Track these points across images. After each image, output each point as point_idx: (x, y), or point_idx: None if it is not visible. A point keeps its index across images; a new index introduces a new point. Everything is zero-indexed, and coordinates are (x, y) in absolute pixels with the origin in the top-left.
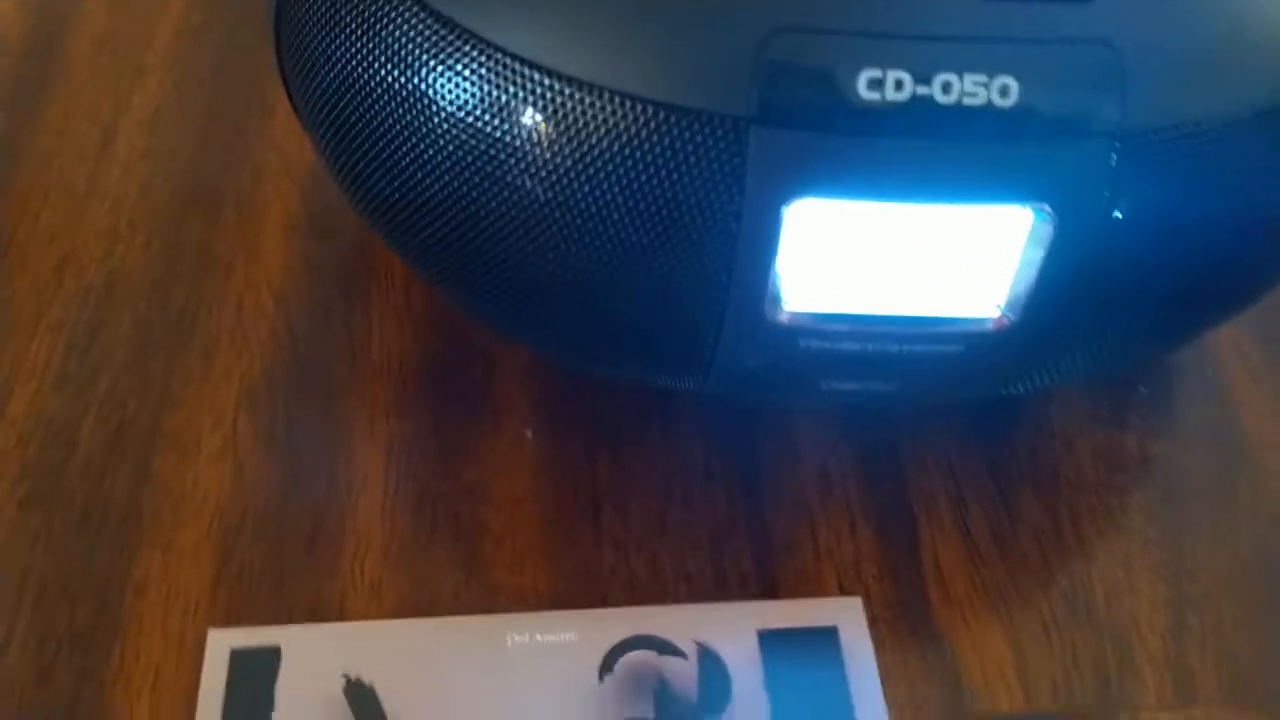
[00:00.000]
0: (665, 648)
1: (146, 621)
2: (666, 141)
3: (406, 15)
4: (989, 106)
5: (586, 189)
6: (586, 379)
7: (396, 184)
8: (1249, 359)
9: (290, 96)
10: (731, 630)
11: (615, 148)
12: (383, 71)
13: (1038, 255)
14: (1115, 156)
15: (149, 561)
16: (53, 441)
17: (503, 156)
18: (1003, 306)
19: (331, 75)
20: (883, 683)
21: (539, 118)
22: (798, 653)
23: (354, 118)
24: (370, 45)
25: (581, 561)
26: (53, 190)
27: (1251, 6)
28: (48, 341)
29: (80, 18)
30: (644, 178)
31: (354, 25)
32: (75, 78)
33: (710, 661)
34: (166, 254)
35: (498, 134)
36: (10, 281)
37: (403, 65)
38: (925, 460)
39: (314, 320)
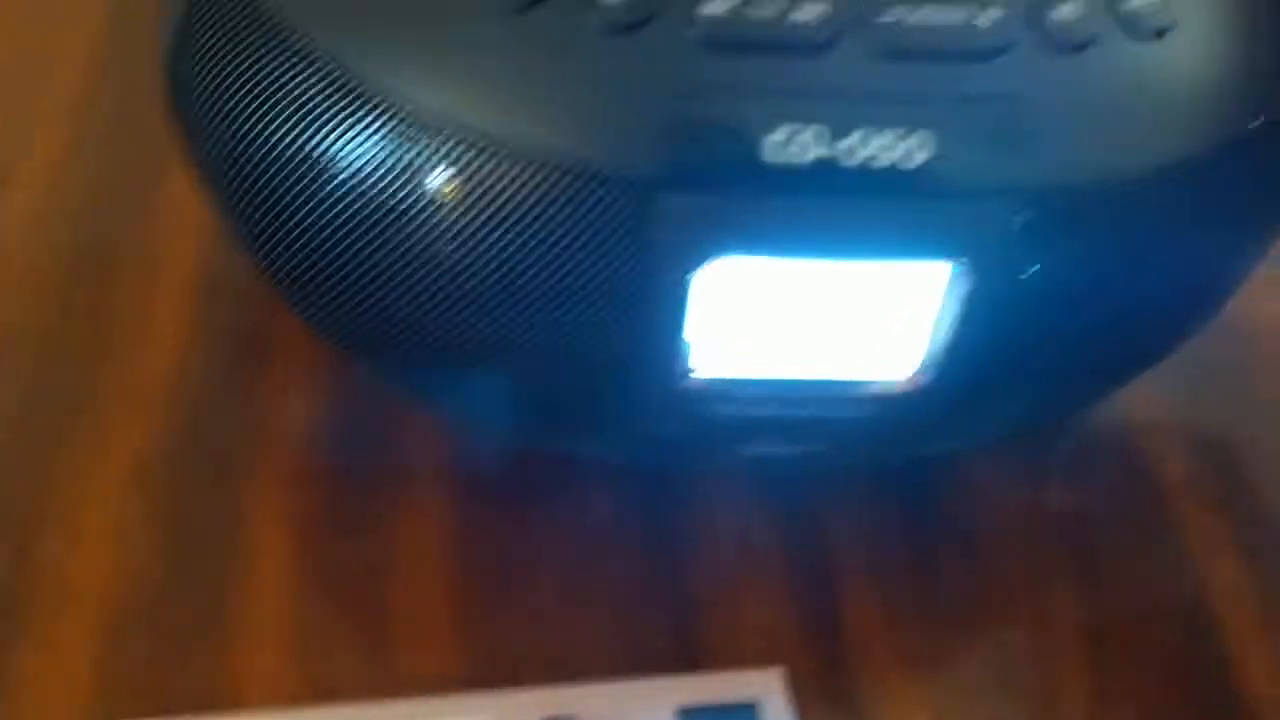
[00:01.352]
0: None
1: (29, 715)
2: (572, 205)
3: (302, 73)
4: (896, 165)
5: (491, 252)
6: (496, 446)
7: (296, 247)
8: (1162, 412)
9: (187, 153)
10: (651, 709)
11: (520, 211)
12: (279, 132)
13: (950, 313)
14: (1024, 213)
15: (27, 651)
16: None
17: (406, 219)
18: (917, 366)
19: (227, 134)
20: None
21: (442, 180)
22: None
23: (252, 179)
24: (263, 105)
25: (493, 638)
26: None
27: (1156, 62)
28: None
29: None
30: (549, 241)
31: (247, 83)
32: None
33: None
34: (60, 317)
35: (400, 196)
36: None
37: (297, 126)
38: (845, 523)
39: (213, 388)
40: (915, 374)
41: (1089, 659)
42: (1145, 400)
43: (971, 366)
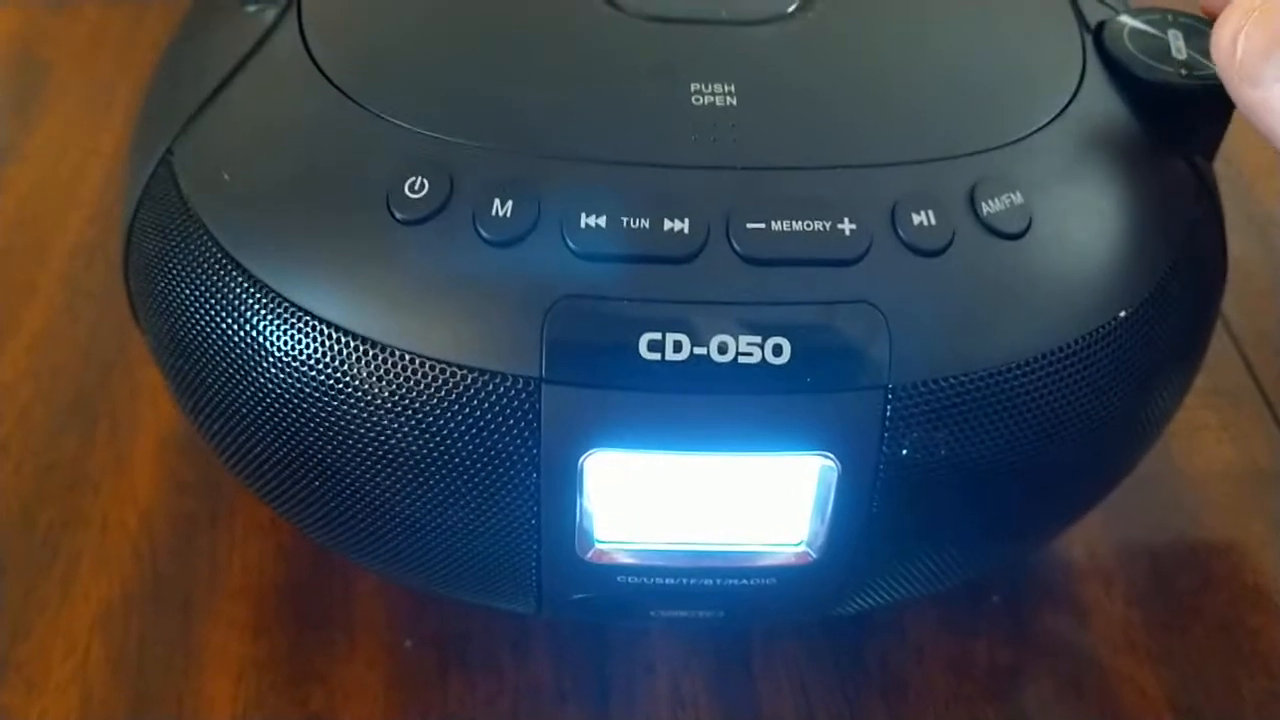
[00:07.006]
0: None
1: None
2: (465, 399)
3: (223, 275)
4: (763, 364)
5: (395, 441)
6: (440, 600)
7: (219, 423)
8: (1100, 562)
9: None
10: None
11: (418, 405)
12: (196, 326)
13: (827, 498)
14: (888, 407)
15: None
16: None
17: (317, 412)
18: (804, 544)
19: (162, 317)
20: None
21: (347, 378)
22: None
23: (174, 363)
24: (190, 298)
25: None
26: None
27: (1017, 261)
28: None
29: None
30: (445, 432)
31: (179, 278)
32: None
33: None
34: (37, 476)
35: (310, 390)
36: None
37: (216, 321)
38: (777, 673)
39: (177, 538)
40: (804, 550)
41: None
42: (1086, 546)
43: (857, 543)
